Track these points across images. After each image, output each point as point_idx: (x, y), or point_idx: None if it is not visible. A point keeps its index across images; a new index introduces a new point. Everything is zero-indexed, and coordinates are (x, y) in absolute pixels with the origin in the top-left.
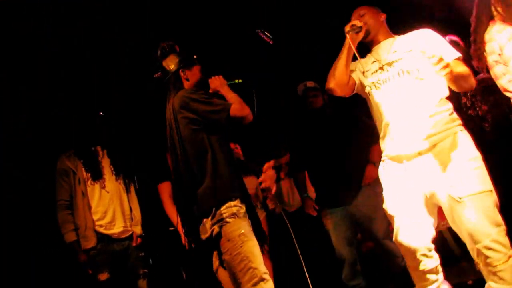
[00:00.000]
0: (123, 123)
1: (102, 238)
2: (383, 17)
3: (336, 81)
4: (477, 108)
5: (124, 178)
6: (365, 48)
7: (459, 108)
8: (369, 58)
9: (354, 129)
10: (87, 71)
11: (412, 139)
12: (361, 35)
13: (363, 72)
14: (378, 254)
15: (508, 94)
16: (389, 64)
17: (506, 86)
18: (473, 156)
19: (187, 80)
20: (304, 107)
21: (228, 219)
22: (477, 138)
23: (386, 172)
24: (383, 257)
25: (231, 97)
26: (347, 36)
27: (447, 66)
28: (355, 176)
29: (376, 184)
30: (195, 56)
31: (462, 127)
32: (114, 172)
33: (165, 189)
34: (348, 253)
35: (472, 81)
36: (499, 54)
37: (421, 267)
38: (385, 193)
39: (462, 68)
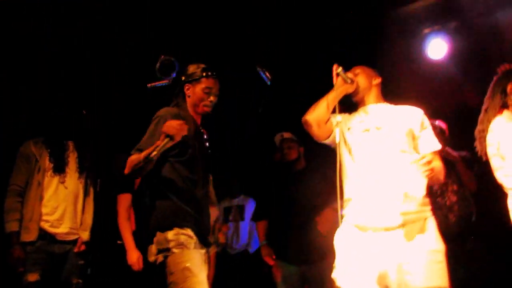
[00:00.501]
0: (104, 126)
1: (44, 236)
2: (377, 80)
3: (315, 116)
4: (446, 198)
5: (87, 179)
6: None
7: (429, 193)
8: (357, 116)
9: (323, 188)
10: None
11: (383, 212)
12: (349, 88)
13: (349, 128)
14: None
15: (505, 188)
16: (378, 128)
17: (501, 180)
18: (438, 249)
19: (189, 97)
20: (279, 157)
21: (174, 249)
22: (441, 226)
23: (345, 238)
24: None
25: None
26: (335, 77)
27: (430, 167)
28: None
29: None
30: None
31: (431, 213)
32: (78, 170)
33: (123, 201)
34: None
35: (441, 177)
36: (497, 148)
37: None
38: (338, 260)
39: (436, 163)
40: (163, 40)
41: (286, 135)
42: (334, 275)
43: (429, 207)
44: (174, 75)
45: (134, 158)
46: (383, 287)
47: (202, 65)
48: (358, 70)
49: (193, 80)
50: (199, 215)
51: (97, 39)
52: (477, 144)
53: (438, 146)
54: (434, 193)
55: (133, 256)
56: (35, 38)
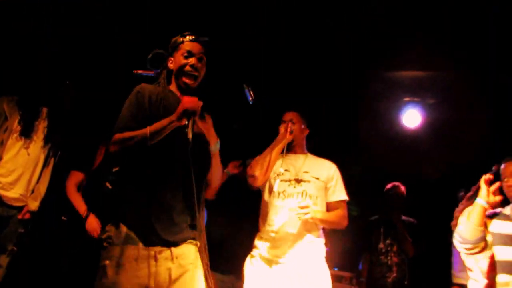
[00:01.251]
0: (85, 101)
1: None
2: (306, 132)
3: (263, 172)
4: (389, 257)
5: (50, 150)
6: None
7: (373, 249)
8: (281, 163)
9: None
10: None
11: (288, 252)
12: (290, 138)
13: (278, 174)
14: None
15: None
16: (298, 181)
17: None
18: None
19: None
20: None
21: (105, 243)
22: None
23: (254, 268)
24: None
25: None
26: (282, 133)
27: (307, 213)
28: None
29: None
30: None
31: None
32: (44, 139)
33: (74, 177)
34: None
35: (344, 224)
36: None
37: None
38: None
39: (336, 212)
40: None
41: None
42: None
43: (324, 255)
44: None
45: (127, 134)
46: None
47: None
48: (295, 118)
49: (173, 50)
50: (155, 214)
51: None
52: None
53: (344, 197)
54: (379, 251)
55: (93, 222)
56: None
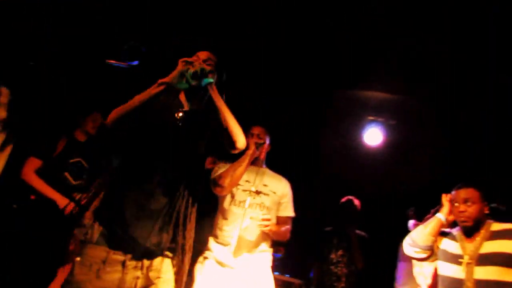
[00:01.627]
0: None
1: None
2: (269, 148)
3: (232, 184)
4: (339, 268)
5: (8, 134)
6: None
7: (325, 259)
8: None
9: None
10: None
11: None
12: (258, 153)
13: (239, 184)
14: None
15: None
16: (257, 193)
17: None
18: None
19: None
20: None
21: (82, 237)
22: None
23: (206, 269)
24: None
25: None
26: (254, 150)
27: (267, 226)
28: None
29: None
30: None
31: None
32: (2, 123)
33: (32, 164)
34: None
35: (287, 237)
36: None
37: None
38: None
39: (286, 227)
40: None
41: None
42: None
43: (270, 264)
44: (135, 62)
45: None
46: None
47: None
48: (262, 134)
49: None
50: (126, 215)
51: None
52: None
53: (292, 213)
54: (330, 261)
55: (63, 202)
56: None
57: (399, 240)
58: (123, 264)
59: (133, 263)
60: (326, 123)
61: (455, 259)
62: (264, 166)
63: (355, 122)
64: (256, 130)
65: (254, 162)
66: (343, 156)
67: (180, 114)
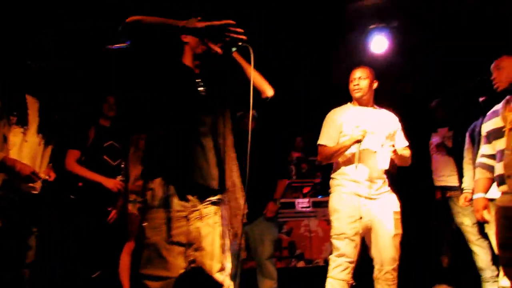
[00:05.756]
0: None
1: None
2: (375, 85)
3: (328, 161)
4: None
5: (47, 136)
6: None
7: None
8: (355, 117)
9: (268, 159)
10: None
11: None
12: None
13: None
14: (257, 273)
15: None
16: (371, 133)
17: None
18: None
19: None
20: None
21: (142, 204)
22: None
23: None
24: (260, 276)
25: None
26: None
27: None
28: (260, 201)
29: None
30: None
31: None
32: (39, 125)
33: (72, 155)
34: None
35: (409, 162)
36: None
37: None
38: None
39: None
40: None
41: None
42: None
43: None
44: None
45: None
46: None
47: None
48: (361, 73)
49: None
50: (185, 162)
51: None
52: None
53: (406, 142)
54: None
55: (109, 182)
56: None
57: (427, 136)
58: (186, 218)
59: (194, 215)
60: (333, 46)
61: (500, 132)
62: (373, 105)
63: (358, 34)
64: (356, 74)
65: (361, 102)
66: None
67: (200, 83)
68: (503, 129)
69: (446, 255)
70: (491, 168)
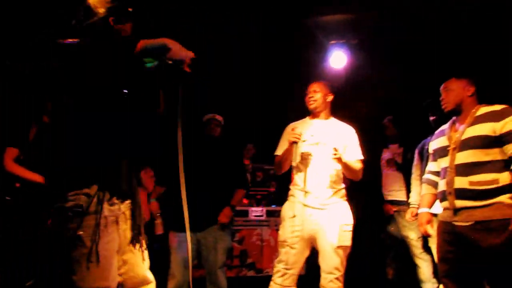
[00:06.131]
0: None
1: None
2: (330, 98)
3: (286, 167)
4: None
5: None
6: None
7: None
8: (309, 129)
9: (230, 167)
10: None
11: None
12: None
13: (304, 140)
14: (207, 282)
15: None
16: (323, 144)
17: None
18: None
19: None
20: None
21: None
22: None
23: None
24: (210, 285)
25: None
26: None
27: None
28: (214, 209)
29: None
30: (130, 9)
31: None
32: None
33: (10, 154)
34: (180, 274)
35: (359, 175)
36: None
37: None
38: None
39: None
40: None
41: (218, 117)
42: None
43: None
44: None
45: None
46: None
47: None
48: (315, 87)
49: (121, 16)
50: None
51: None
52: None
53: (360, 156)
54: None
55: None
56: None
57: (379, 152)
58: (117, 222)
59: (122, 217)
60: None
61: (444, 151)
62: (329, 117)
63: (317, 49)
64: (311, 87)
65: (317, 115)
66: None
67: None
68: (448, 148)
69: (391, 267)
70: (435, 185)
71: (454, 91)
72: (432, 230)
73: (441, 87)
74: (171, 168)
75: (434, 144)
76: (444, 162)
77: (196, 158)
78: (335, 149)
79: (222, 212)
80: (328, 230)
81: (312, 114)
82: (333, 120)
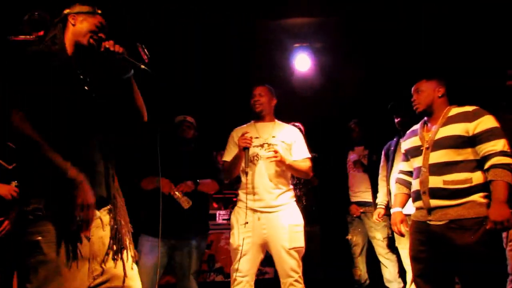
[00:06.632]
0: None
1: None
2: (274, 102)
3: (236, 173)
4: (297, 190)
5: None
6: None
7: None
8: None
9: (203, 170)
10: None
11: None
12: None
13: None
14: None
15: None
16: (268, 145)
17: None
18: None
19: (73, 25)
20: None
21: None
22: None
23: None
24: None
25: None
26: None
27: (276, 156)
28: (190, 214)
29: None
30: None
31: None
32: None
33: None
34: (149, 279)
35: (308, 174)
36: None
37: None
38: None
39: (302, 163)
40: None
41: (189, 118)
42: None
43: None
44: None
45: None
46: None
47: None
48: (260, 91)
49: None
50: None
51: None
52: None
53: (307, 154)
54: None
55: (2, 188)
56: None
57: (345, 154)
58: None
59: (97, 222)
60: (255, 59)
61: (417, 150)
62: (273, 120)
63: (282, 51)
64: (256, 90)
65: (261, 118)
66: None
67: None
68: (421, 148)
69: (358, 268)
70: (408, 184)
71: (424, 92)
72: (406, 229)
73: (412, 88)
74: (145, 170)
75: (406, 144)
76: (417, 162)
77: (168, 161)
78: (275, 151)
79: (184, 182)
80: (279, 232)
81: (257, 117)
82: (277, 123)
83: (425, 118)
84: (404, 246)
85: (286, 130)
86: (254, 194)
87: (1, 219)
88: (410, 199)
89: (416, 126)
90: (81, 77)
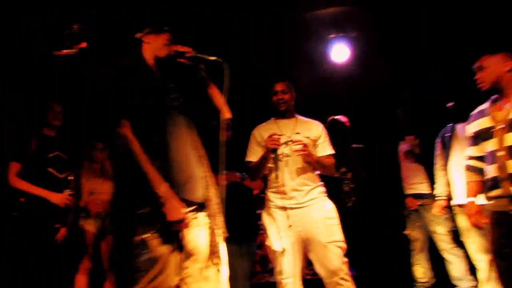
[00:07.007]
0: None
1: None
2: (293, 97)
3: (261, 175)
4: (345, 184)
5: None
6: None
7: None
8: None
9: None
10: None
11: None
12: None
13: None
14: None
15: None
16: (293, 142)
17: None
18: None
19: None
20: None
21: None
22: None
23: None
24: None
25: None
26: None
27: (304, 150)
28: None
29: None
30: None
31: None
32: None
33: (13, 169)
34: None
35: (333, 171)
36: None
37: None
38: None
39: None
40: None
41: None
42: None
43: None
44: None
45: None
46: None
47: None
48: (283, 87)
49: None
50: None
51: None
52: None
53: (331, 151)
54: (340, 180)
55: (56, 196)
56: None
57: (395, 143)
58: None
59: (194, 221)
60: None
61: (489, 133)
62: (295, 115)
63: (319, 43)
64: (278, 87)
65: (284, 115)
66: (317, 80)
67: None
68: (493, 129)
69: (419, 265)
70: (480, 171)
71: (489, 67)
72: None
73: (475, 66)
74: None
75: (474, 126)
76: (490, 145)
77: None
78: (304, 145)
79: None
80: (313, 227)
81: (280, 115)
82: (299, 119)
83: (494, 96)
84: (472, 239)
85: (309, 126)
86: (283, 192)
87: (57, 226)
88: None
89: (483, 106)
90: (169, 86)
